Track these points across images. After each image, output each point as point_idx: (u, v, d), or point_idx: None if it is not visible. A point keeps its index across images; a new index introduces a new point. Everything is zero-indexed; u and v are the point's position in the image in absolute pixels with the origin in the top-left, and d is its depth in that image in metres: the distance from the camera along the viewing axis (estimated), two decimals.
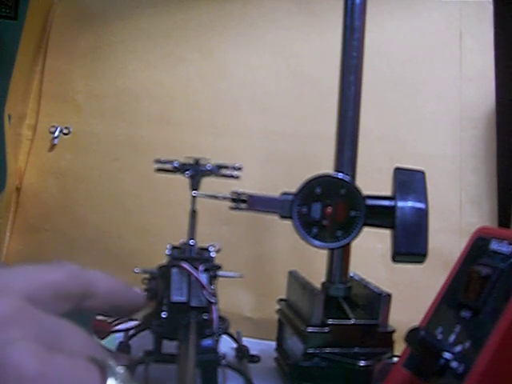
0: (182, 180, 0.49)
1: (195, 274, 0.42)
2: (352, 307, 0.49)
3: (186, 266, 0.43)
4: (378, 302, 0.47)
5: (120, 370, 0.26)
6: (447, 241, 0.66)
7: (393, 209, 0.46)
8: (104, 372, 0.26)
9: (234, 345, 0.54)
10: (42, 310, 0.28)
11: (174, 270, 0.43)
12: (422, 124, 0.71)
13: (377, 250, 0.66)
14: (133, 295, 0.38)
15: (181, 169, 0.49)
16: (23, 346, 0.24)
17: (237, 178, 0.49)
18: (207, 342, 0.41)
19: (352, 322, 0.47)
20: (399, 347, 0.40)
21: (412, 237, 0.45)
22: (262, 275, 0.70)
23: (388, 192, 0.49)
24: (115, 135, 0.77)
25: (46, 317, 0.27)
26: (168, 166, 0.49)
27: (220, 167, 0.49)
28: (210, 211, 0.58)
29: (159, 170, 0.50)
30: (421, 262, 0.46)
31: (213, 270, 0.44)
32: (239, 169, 0.49)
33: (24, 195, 0.79)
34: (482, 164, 0.69)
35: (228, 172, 0.49)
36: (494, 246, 0.36)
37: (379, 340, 0.47)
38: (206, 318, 0.42)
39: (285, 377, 0.49)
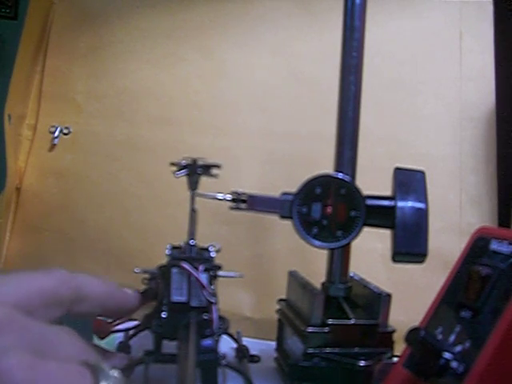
0: (182, 180, 0.49)
1: (195, 274, 0.42)
2: (352, 307, 0.49)
3: (185, 266, 0.43)
4: (378, 302, 0.47)
5: (113, 373, 0.26)
6: (447, 241, 0.66)
7: (393, 209, 0.46)
8: (96, 376, 0.26)
9: (234, 345, 0.54)
10: (33, 316, 0.28)
11: (174, 270, 0.43)
12: (422, 124, 0.71)
13: (377, 250, 0.66)
14: (124, 296, 0.38)
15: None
16: (12, 354, 0.24)
17: (214, 176, 0.48)
18: (207, 341, 0.41)
19: (352, 322, 0.46)
20: (399, 347, 0.40)
21: (412, 237, 0.45)
22: (261, 275, 0.70)
23: (388, 192, 0.49)
24: (115, 135, 0.77)
25: (35, 324, 0.27)
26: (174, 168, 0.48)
27: (207, 166, 0.48)
28: (210, 211, 0.58)
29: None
30: (421, 261, 0.46)
31: (213, 270, 0.44)
32: (218, 166, 0.48)
33: (24, 195, 0.78)
34: (482, 164, 0.69)
35: (214, 171, 0.49)
36: (494, 246, 0.36)
37: (379, 340, 0.47)
38: (206, 317, 0.42)
39: (285, 377, 0.49)
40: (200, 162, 0.49)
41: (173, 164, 0.48)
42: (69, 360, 0.26)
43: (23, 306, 0.28)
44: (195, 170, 0.48)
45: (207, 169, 0.48)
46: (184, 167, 0.48)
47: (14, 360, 0.24)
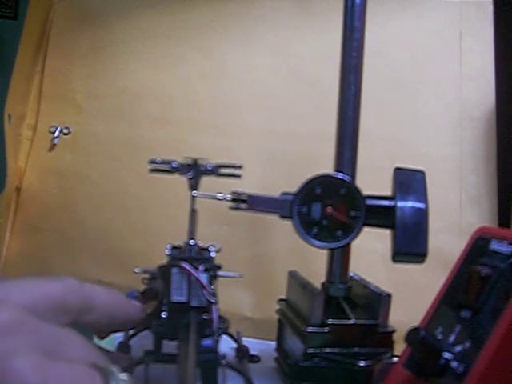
0: (182, 180, 0.49)
1: (195, 274, 0.42)
2: (352, 307, 0.49)
3: (185, 265, 0.43)
4: (378, 301, 0.47)
5: (123, 376, 0.26)
6: (447, 241, 0.66)
7: (393, 209, 0.46)
8: (106, 378, 0.26)
9: (234, 345, 0.54)
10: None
11: (174, 270, 0.43)
12: (422, 124, 0.71)
13: (377, 250, 0.66)
14: (131, 309, 0.38)
15: (179, 169, 0.49)
16: (24, 355, 0.24)
17: (238, 176, 0.49)
18: (207, 341, 0.41)
19: (352, 322, 0.46)
20: (399, 347, 0.40)
21: (412, 237, 0.45)
22: (261, 275, 0.70)
23: (388, 192, 0.49)
24: (115, 135, 0.77)
25: (45, 325, 0.27)
26: (166, 167, 0.49)
27: (220, 167, 0.49)
28: (210, 211, 0.58)
29: (153, 170, 0.49)
30: (421, 261, 0.46)
31: (213, 270, 0.44)
32: (239, 167, 0.49)
33: (24, 195, 0.79)
34: (482, 164, 0.69)
35: (228, 171, 0.49)
36: (494, 246, 0.36)
37: (379, 340, 0.47)
38: (205, 318, 0.42)
39: (285, 377, 0.49)
40: (202, 162, 0.49)
41: (152, 162, 0.48)
42: (79, 362, 0.26)
43: (31, 310, 0.28)
44: (197, 171, 0.48)
45: (218, 169, 0.49)
46: (175, 168, 0.48)
47: (25, 361, 0.24)
